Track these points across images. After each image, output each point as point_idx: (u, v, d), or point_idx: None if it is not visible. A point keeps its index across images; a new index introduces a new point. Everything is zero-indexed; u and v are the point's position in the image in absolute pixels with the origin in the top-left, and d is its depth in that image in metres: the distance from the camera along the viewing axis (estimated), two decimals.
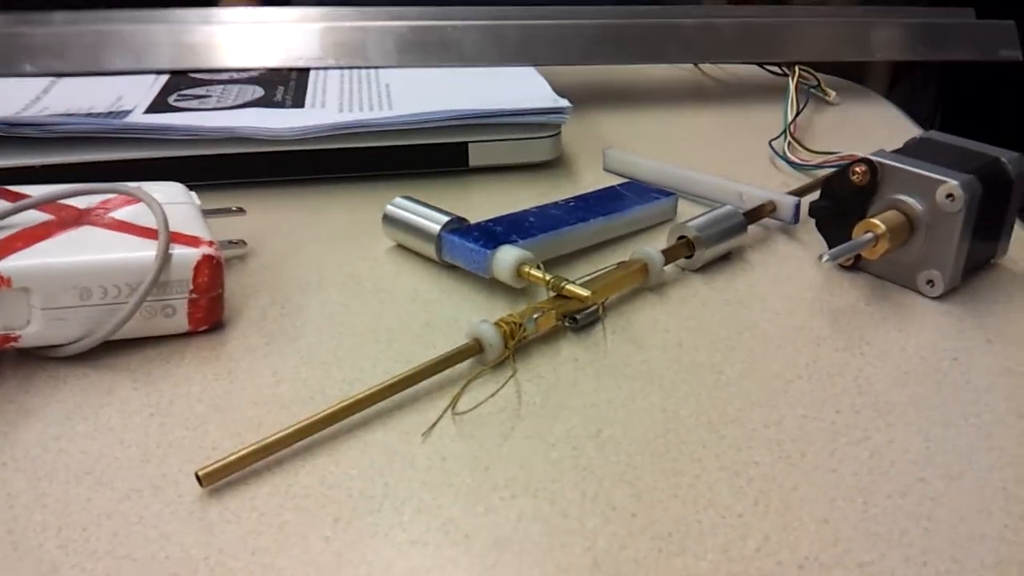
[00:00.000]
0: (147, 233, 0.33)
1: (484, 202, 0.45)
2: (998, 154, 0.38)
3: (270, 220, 0.42)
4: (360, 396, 0.29)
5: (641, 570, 0.24)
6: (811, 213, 0.39)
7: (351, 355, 0.33)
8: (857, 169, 0.37)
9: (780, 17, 0.61)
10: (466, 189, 0.47)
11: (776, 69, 0.64)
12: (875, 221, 0.36)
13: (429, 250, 0.38)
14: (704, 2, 0.94)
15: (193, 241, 0.33)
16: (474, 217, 0.39)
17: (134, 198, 0.35)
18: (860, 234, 0.36)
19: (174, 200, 0.36)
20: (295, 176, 0.46)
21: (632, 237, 0.42)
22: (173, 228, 0.33)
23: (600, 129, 0.56)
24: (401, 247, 0.40)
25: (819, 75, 0.62)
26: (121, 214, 0.34)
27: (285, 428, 0.27)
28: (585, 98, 0.59)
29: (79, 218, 0.34)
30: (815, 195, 0.40)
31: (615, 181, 0.46)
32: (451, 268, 0.38)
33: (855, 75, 0.72)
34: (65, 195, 0.35)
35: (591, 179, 0.48)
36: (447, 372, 0.31)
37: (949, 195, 0.35)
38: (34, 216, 0.33)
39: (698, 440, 0.29)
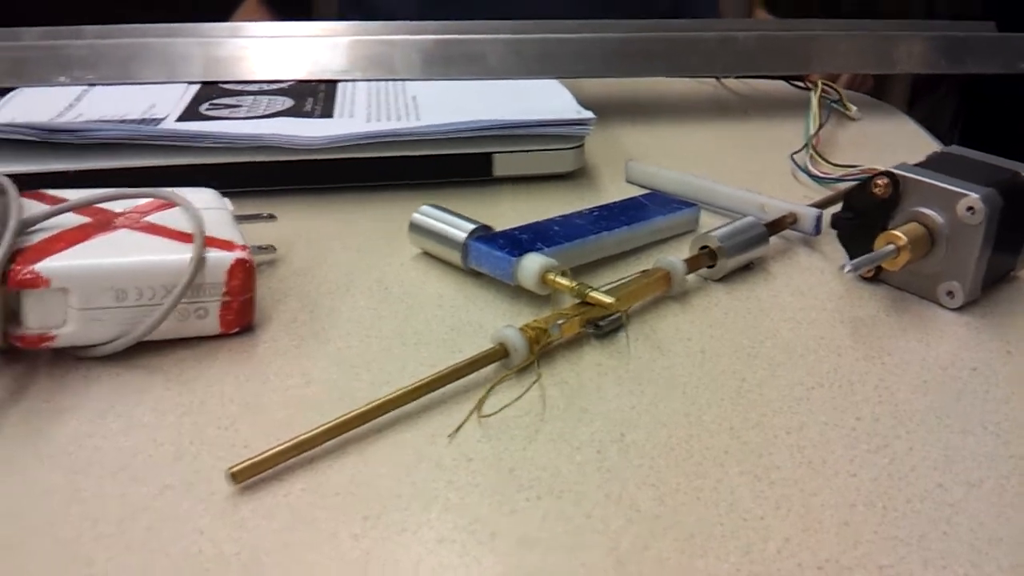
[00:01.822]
0: (181, 237, 0.34)
1: (508, 211, 0.46)
2: (1019, 168, 0.38)
3: (299, 227, 0.43)
4: (388, 398, 0.29)
5: (664, 571, 0.25)
6: (833, 225, 0.40)
7: (379, 358, 0.34)
8: (879, 182, 0.38)
9: (802, 31, 0.62)
10: (491, 199, 0.48)
11: (799, 83, 0.64)
12: (896, 233, 0.36)
13: (455, 257, 0.39)
14: (722, 11, 0.94)
15: (227, 245, 0.34)
16: (498, 226, 0.40)
17: (169, 202, 0.36)
18: (881, 246, 0.37)
19: (207, 205, 0.36)
20: (324, 184, 0.47)
21: (655, 247, 0.43)
22: (207, 232, 0.34)
23: (622, 142, 0.56)
24: (427, 254, 0.41)
25: (841, 90, 0.62)
26: (156, 218, 0.35)
27: (315, 427, 0.28)
28: (608, 111, 0.60)
29: (115, 221, 0.35)
30: (836, 207, 0.41)
31: (637, 192, 0.47)
32: (476, 275, 0.39)
33: (876, 91, 0.72)
34: (102, 199, 0.35)
35: (614, 190, 0.49)
36: (473, 376, 0.32)
37: (970, 208, 0.36)
38: (72, 219, 0.34)
39: (720, 445, 0.29)
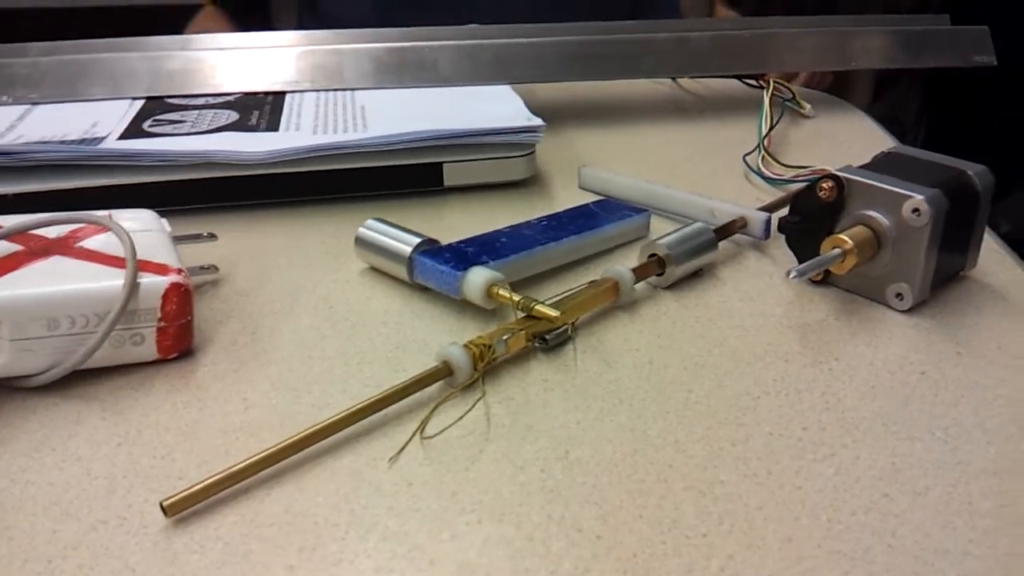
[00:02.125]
0: (116, 262, 0.33)
1: (459, 222, 0.46)
2: (965, 167, 0.38)
3: (243, 245, 0.43)
4: (327, 423, 0.29)
5: None
6: (780, 229, 0.40)
7: (321, 380, 0.33)
8: (824, 185, 0.37)
9: (756, 29, 0.61)
10: (441, 209, 0.47)
11: (752, 82, 0.64)
12: (843, 237, 0.36)
13: (401, 272, 0.39)
14: (684, 11, 0.94)
15: (161, 269, 0.33)
16: (450, 237, 0.39)
17: (103, 227, 0.35)
18: (828, 250, 0.36)
19: (144, 228, 0.36)
20: (269, 200, 0.47)
21: (605, 255, 0.42)
22: (142, 256, 0.33)
23: (576, 147, 0.56)
24: (374, 269, 0.41)
25: (795, 88, 0.62)
26: (91, 243, 0.34)
27: (250, 456, 0.27)
28: (561, 116, 0.60)
29: (48, 248, 0.34)
30: (786, 210, 0.40)
31: (591, 199, 0.46)
32: (423, 290, 0.39)
33: (838, 88, 0.72)
34: (35, 225, 0.35)
35: (567, 197, 0.48)
36: (416, 395, 0.31)
37: (915, 210, 0.36)
38: (3, 247, 0.34)
39: (665, 460, 0.29)
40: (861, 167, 0.38)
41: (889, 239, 0.36)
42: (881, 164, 0.39)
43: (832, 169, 0.38)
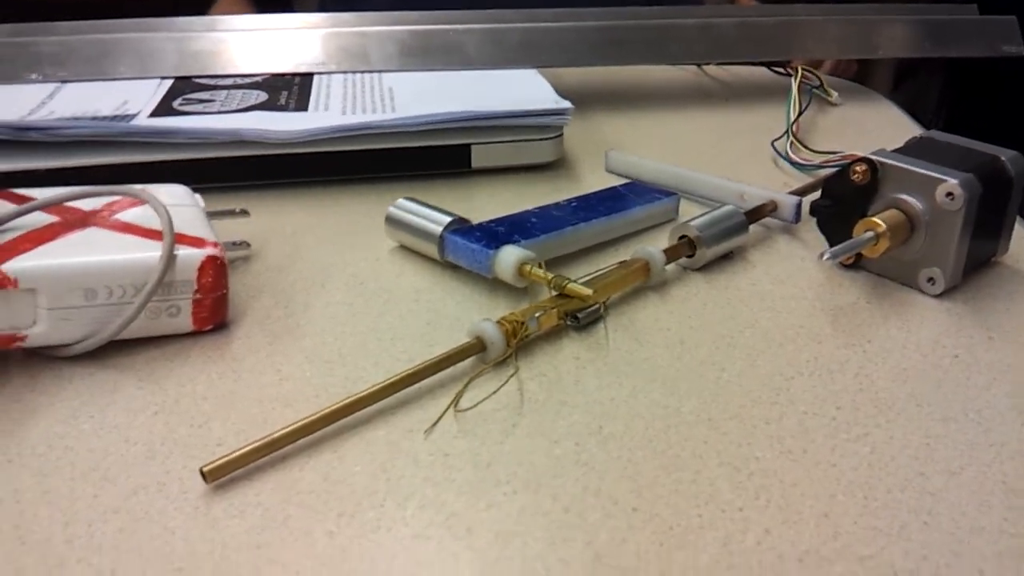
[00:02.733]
0: (152, 235, 0.33)
1: (486, 203, 0.46)
2: (998, 153, 0.38)
3: (274, 222, 0.43)
4: (363, 394, 0.29)
5: (642, 563, 0.24)
6: (812, 212, 0.40)
7: (354, 354, 0.33)
8: (857, 168, 0.37)
9: (782, 16, 0.61)
10: (468, 191, 0.47)
11: (780, 69, 0.64)
12: (876, 220, 0.36)
13: (431, 250, 0.39)
14: (707, 2, 0.94)
15: (197, 242, 0.33)
16: (476, 218, 0.39)
17: (139, 200, 0.35)
18: (861, 233, 0.36)
19: (179, 202, 0.36)
20: (299, 178, 0.47)
21: (634, 237, 0.42)
22: (178, 229, 0.33)
23: (602, 131, 0.56)
24: (403, 248, 0.41)
25: (822, 76, 0.62)
26: (126, 216, 0.35)
27: (289, 425, 0.28)
28: (587, 100, 0.60)
29: (84, 220, 0.34)
30: (816, 194, 0.40)
31: (617, 182, 0.46)
32: (453, 268, 0.39)
33: (858, 77, 0.72)
34: (71, 197, 0.35)
35: (593, 180, 0.48)
36: (449, 370, 0.32)
37: (949, 194, 0.35)
38: (40, 218, 0.34)
39: (699, 436, 0.29)
40: (894, 151, 0.38)
41: (922, 223, 0.36)
42: (914, 149, 0.39)
43: (861, 154, 0.38)
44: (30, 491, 0.27)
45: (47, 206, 0.34)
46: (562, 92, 0.51)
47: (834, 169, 0.44)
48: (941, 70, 1.32)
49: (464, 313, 0.36)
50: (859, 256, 0.38)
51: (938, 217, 0.36)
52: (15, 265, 0.31)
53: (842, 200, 0.38)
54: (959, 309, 0.37)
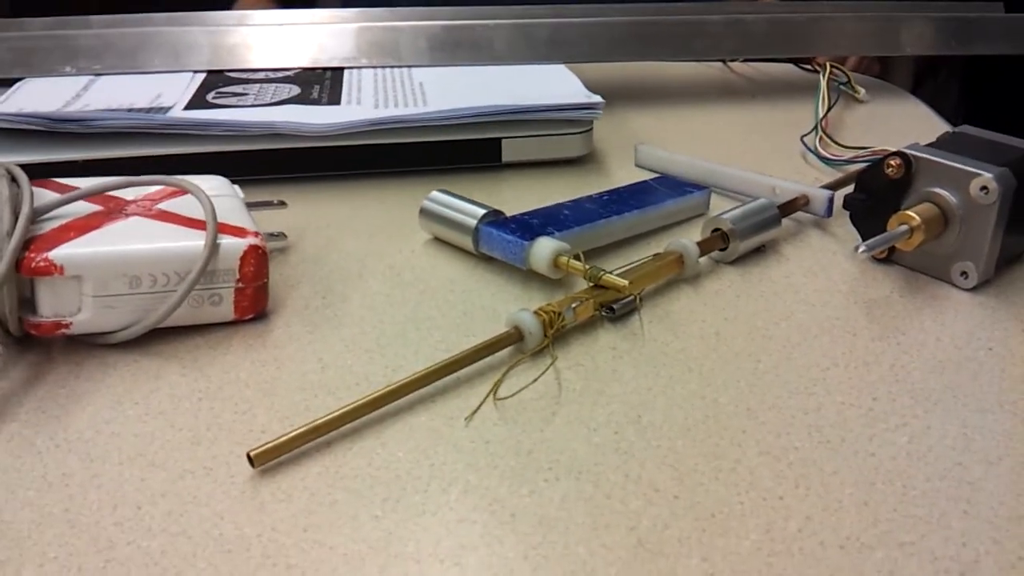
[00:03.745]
0: (194, 224, 0.34)
1: (517, 197, 0.46)
2: None
3: (309, 214, 0.43)
4: (406, 381, 0.29)
5: (684, 549, 0.25)
6: (845, 206, 0.40)
7: (393, 343, 0.34)
8: (892, 162, 0.38)
9: (810, 13, 0.61)
10: (498, 184, 0.48)
11: (808, 66, 0.64)
12: (910, 213, 0.36)
13: (466, 242, 0.39)
14: None
15: (239, 232, 0.34)
16: (507, 212, 0.40)
17: (180, 190, 0.36)
18: (895, 226, 0.37)
19: (218, 192, 0.36)
20: (332, 172, 0.47)
21: (665, 231, 0.43)
22: (219, 219, 0.34)
23: (629, 126, 0.56)
24: (437, 240, 0.41)
25: (849, 72, 0.62)
26: (167, 205, 0.35)
27: (333, 411, 0.28)
28: (614, 95, 0.60)
29: (127, 209, 0.35)
30: (848, 189, 0.40)
31: (647, 177, 0.46)
32: (487, 260, 0.39)
33: (880, 75, 0.72)
34: (113, 187, 0.35)
35: (623, 175, 0.49)
36: (486, 361, 0.32)
37: (983, 187, 0.36)
38: (83, 207, 0.34)
39: (738, 426, 0.29)
40: (927, 145, 0.38)
41: (956, 217, 0.36)
42: (947, 143, 0.39)
43: (893, 148, 0.38)
44: (78, 475, 0.27)
45: (90, 195, 0.35)
46: (589, 88, 0.51)
47: (865, 164, 0.44)
48: (961, 70, 1.32)
49: (499, 304, 0.36)
50: (892, 250, 0.39)
51: (972, 211, 0.36)
52: (60, 252, 0.31)
53: (875, 194, 0.39)
54: (992, 303, 0.37)
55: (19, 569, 0.24)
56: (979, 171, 0.36)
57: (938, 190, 0.37)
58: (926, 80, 1.30)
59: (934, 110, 0.61)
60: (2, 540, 0.25)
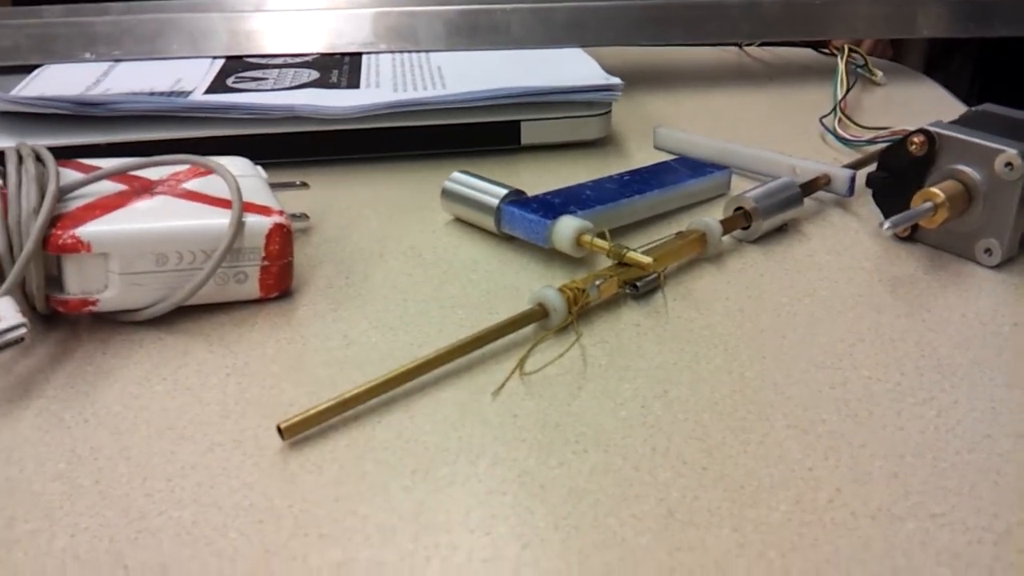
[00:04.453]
0: (219, 203, 0.34)
1: (536, 179, 0.46)
2: None
3: (330, 196, 0.43)
4: (433, 355, 0.29)
5: (715, 519, 0.25)
6: (868, 184, 0.40)
7: (417, 320, 0.34)
8: (915, 139, 0.37)
9: None
10: (518, 167, 0.48)
11: (825, 50, 0.64)
12: (934, 190, 0.36)
13: (488, 222, 0.39)
14: None
15: (264, 210, 0.34)
16: (528, 193, 0.40)
17: (204, 170, 0.36)
18: (919, 204, 0.36)
19: (242, 173, 0.36)
20: (352, 155, 0.47)
21: (686, 211, 0.42)
22: (245, 198, 0.34)
23: (647, 109, 0.56)
24: (458, 221, 0.41)
25: (866, 55, 0.62)
26: (192, 185, 0.35)
27: (361, 385, 0.28)
28: (631, 79, 0.59)
29: (153, 188, 0.35)
30: (869, 169, 0.40)
31: (666, 158, 0.46)
32: (509, 240, 0.39)
33: (892, 59, 0.72)
34: (138, 166, 0.36)
35: (641, 157, 0.49)
36: (511, 337, 0.32)
37: (1008, 164, 0.35)
38: (109, 186, 0.34)
39: (765, 400, 0.29)
40: (950, 123, 0.38)
41: (980, 193, 0.36)
42: (970, 120, 0.39)
43: (914, 128, 0.38)
44: (107, 448, 0.27)
45: (115, 174, 0.35)
46: (606, 71, 0.51)
47: (885, 144, 0.43)
48: (973, 59, 1.31)
49: (522, 283, 0.36)
50: (915, 228, 0.38)
51: (996, 187, 0.36)
52: (88, 229, 0.31)
53: (898, 172, 0.38)
54: (1016, 279, 0.37)
55: (51, 538, 0.24)
56: (1004, 147, 0.36)
57: (962, 167, 0.37)
58: (939, 64, 1.29)
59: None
60: (34, 510, 0.25)
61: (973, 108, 0.41)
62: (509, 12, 0.57)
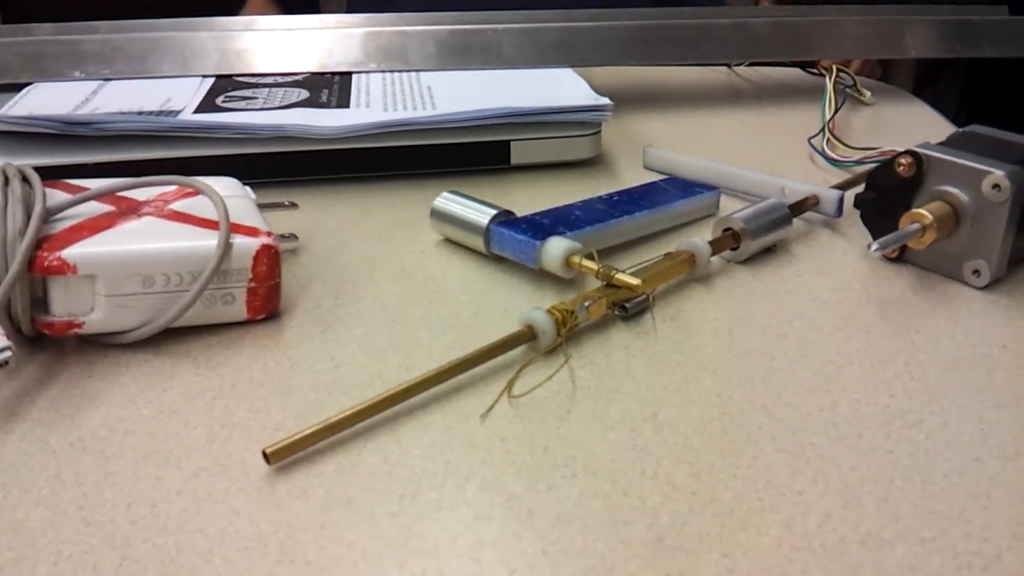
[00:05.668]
0: (206, 224, 0.33)
1: (526, 199, 0.46)
2: None
3: (319, 216, 0.43)
4: (420, 378, 0.29)
5: (704, 545, 0.24)
6: (856, 205, 0.40)
7: (405, 342, 0.34)
8: (903, 161, 0.38)
9: (815, 16, 0.61)
10: (507, 187, 0.48)
11: (814, 70, 0.64)
12: (922, 212, 0.36)
13: (477, 243, 0.39)
14: (730, 2, 0.94)
15: (252, 231, 0.33)
16: (517, 213, 0.40)
17: (192, 190, 0.36)
18: (907, 225, 0.36)
19: (230, 193, 0.36)
20: (342, 174, 0.47)
21: (675, 231, 0.42)
22: (232, 219, 0.33)
23: (636, 129, 0.56)
24: (448, 241, 0.41)
25: (855, 75, 0.62)
26: (180, 206, 0.35)
27: (348, 408, 0.28)
28: (621, 100, 0.60)
29: (139, 209, 0.34)
30: (857, 189, 0.40)
31: (655, 179, 0.46)
32: (499, 260, 0.39)
33: (880, 79, 0.72)
34: (125, 187, 0.35)
35: (630, 177, 0.49)
36: (500, 359, 0.32)
37: (995, 185, 0.35)
38: (96, 207, 0.34)
39: (754, 423, 0.29)
40: (938, 144, 0.38)
41: (968, 215, 0.36)
42: (958, 141, 0.39)
43: (902, 148, 0.38)
44: (92, 473, 0.27)
45: (102, 195, 0.35)
46: (596, 91, 0.51)
47: (873, 165, 0.44)
48: (961, 78, 1.32)
49: (512, 303, 0.36)
50: (904, 249, 0.39)
51: (984, 209, 0.36)
52: (74, 251, 0.31)
53: (886, 193, 0.38)
54: (1005, 301, 0.37)
55: (34, 567, 0.24)
56: (991, 169, 0.36)
57: (950, 188, 0.37)
58: (927, 84, 1.30)
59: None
60: (16, 538, 0.25)
61: (961, 129, 0.41)
62: (500, 32, 0.57)
